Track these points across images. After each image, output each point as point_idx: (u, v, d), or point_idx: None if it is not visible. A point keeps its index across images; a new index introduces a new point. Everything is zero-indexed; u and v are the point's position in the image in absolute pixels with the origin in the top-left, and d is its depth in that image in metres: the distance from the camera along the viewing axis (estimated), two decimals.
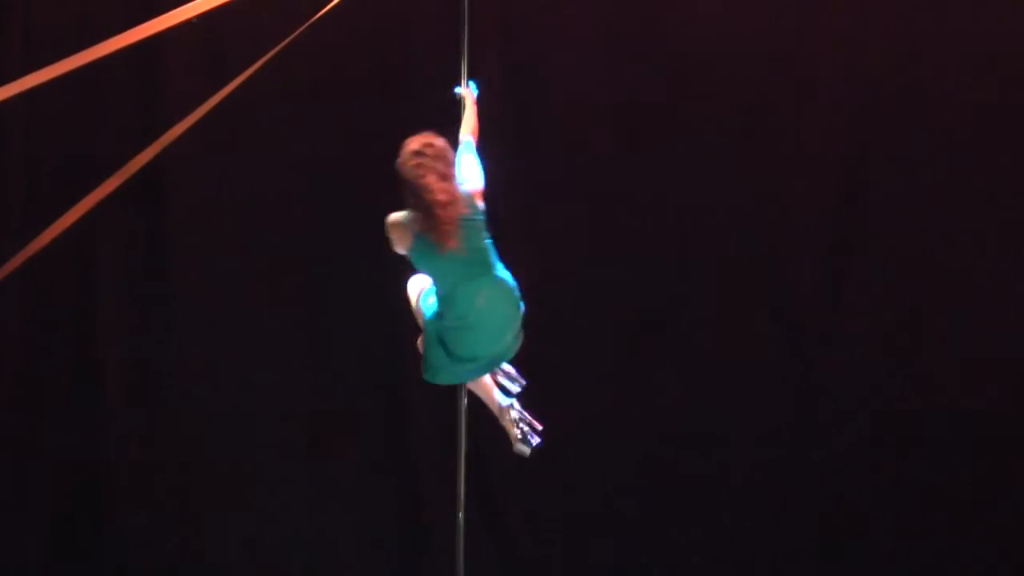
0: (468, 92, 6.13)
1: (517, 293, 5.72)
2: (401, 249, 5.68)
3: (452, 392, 6.12)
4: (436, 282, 5.74)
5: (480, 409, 6.00)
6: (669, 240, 7.41)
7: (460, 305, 5.66)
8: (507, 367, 5.97)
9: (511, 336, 5.76)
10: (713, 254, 7.39)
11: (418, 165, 5.58)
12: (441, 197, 5.54)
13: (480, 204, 5.69)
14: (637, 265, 7.40)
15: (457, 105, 6.00)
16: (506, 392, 5.98)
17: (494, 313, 5.69)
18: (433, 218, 5.56)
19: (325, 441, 7.46)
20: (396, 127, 5.63)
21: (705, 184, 7.36)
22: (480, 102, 5.98)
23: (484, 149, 5.78)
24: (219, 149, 7.35)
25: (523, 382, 5.97)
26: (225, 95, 5.77)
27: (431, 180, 5.55)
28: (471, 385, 6.04)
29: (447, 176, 5.62)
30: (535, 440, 5.87)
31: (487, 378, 5.97)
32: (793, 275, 7.36)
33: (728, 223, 7.36)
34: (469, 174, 5.76)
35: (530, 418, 5.91)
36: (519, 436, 5.91)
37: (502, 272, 5.75)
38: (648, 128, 7.39)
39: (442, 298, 5.72)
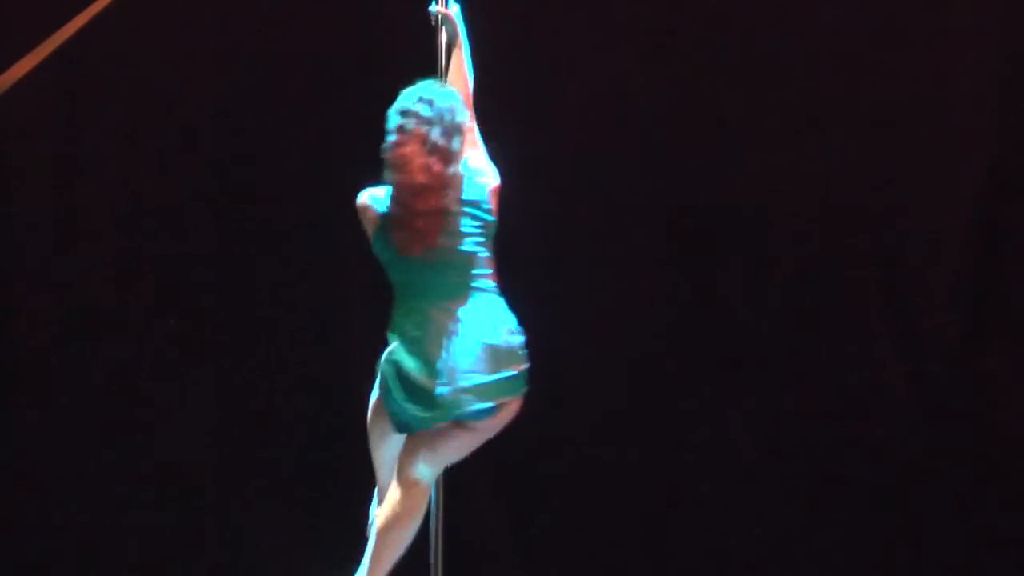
0: (451, 13, 4.76)
1: (503, 341, 4.44)
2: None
3: None
4: (396, 296, 4.53)
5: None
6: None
7: (399, 327, 4.48)
8: None
9: (466, 396, 4.40)
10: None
11: (401, 129, 4.37)
12: (419, 178, 4.33)
13: (491, 203, 4.49)
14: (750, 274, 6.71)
15: (431, 35, 4.81)
16: None
17: (431, 349, 4.42)
18: (402, 207, 4.37)
19: None
20: None
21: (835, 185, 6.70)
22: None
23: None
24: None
25: None
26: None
27: (411, 151, 4.33)
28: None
29: (441, 151, 4.37)
30: None
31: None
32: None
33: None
34: (479, 155, 4.55)
35: None
36: None
37: (489, 305, 4.48)
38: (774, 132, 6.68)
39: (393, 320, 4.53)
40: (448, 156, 4.38)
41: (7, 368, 6.70)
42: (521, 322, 4.52)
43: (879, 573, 6.62)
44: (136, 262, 6.69)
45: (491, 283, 4.52)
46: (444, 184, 4.36)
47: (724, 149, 6.70)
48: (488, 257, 4.51)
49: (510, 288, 6.59)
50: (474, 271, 4.48)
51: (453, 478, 4.86)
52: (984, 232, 6.69)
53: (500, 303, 4.52)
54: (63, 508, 6.64)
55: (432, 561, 4.83)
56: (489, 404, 4.45)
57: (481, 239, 4.49)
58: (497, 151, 6.32)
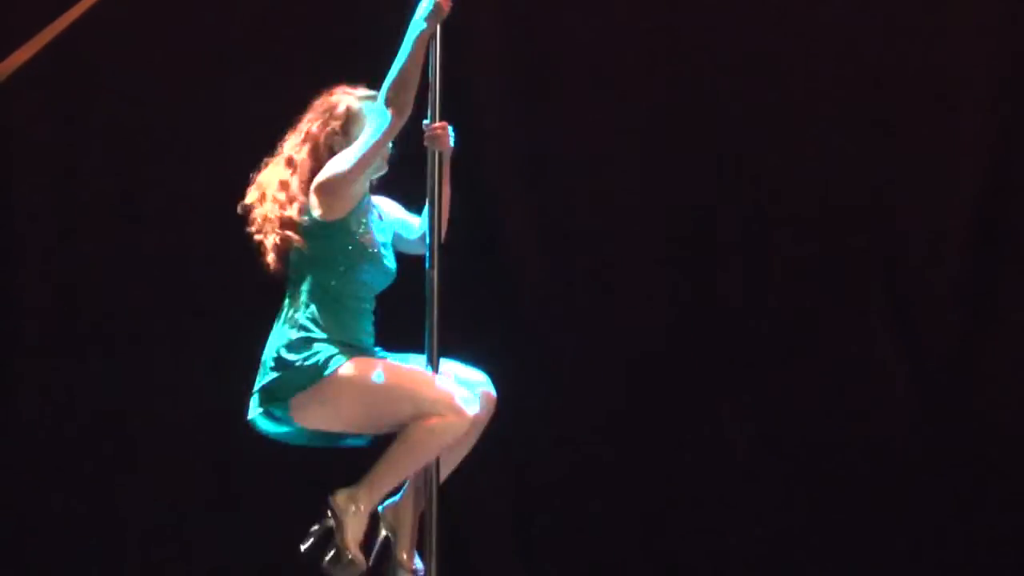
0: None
1: (275, 349, 4.53)
2: None
3: None
4: None
5: None
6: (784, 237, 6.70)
7: None
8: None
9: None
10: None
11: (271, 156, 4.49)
12: (256, 190, 4.47)
13: (314, 202, 4.38)
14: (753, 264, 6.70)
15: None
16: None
17: None
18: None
19: None
20: None
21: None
22: None
23: None
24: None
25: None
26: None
27: (270, 162, 4.45)
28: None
29: (292, 163, 4.40)
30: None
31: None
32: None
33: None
34: (339, 157, 4.37)
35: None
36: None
37: (284, 316, 4.51)
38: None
39: None
40: (295, 167, 4.41)
41: (7, 362, 6.69)
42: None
43: (879, 573, 6.60)
44: (137, 256, 6.67)
45: (301, 288, 4.50)
46: (284, 198, 4.40)
47: (724, 149, 6.68)
48: (304, 263, 4.49)
49: (510, 288, 6.62)
50: (296, 278, 4.51)
51: (453, 477, 4.88)
52: (984, 232, 6.66)
53: (288, 314, 4.53)
54: (62, 504, 6.60)
55: (431, 561, 4.81)
56: (260, 410, 4.66)
57: (305, 246, 4.46)
58: (498, 150, 6.33)
